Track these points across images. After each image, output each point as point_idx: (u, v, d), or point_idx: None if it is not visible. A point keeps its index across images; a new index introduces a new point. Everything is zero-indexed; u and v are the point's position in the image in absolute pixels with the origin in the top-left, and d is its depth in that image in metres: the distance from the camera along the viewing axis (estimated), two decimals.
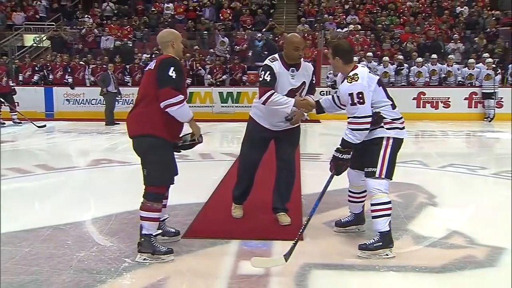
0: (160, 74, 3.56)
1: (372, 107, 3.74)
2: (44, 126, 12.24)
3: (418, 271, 3.52)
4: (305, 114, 4.34)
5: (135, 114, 3.70)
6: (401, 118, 3.88)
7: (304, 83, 4.26)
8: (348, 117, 3.77)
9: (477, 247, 3.95)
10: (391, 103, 3.85)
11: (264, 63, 4.27)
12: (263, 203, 4.66)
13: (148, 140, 3.62)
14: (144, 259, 3.62)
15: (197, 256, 3.79)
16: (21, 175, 6.77)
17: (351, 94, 3.69)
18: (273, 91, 4.13)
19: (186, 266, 3.58)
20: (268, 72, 4.16)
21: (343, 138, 3.78)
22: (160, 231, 3.81)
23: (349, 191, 4.24)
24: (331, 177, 3.89)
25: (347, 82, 3.74)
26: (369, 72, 3.87)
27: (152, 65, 3.72)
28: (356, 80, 3.70)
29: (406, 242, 4.05)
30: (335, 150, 3.83)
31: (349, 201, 4.29)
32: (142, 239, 3.66)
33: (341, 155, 3.79)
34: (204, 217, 4.69)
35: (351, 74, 3.75)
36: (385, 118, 3.77)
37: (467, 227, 4.40)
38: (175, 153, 3.82)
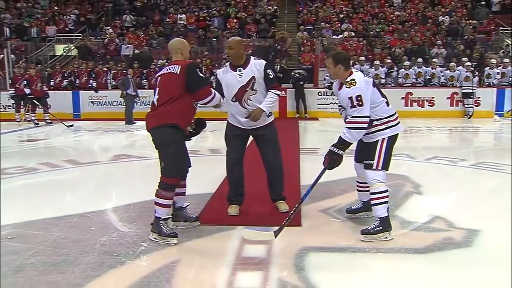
0: (191, 77, 3.68)
1: (369, 106, 3.71)
2: (72, 125, 12.31)
3: (404, 252, 3.53)
4: (266, 111, 4.20)
5: (157, 111, 3.72)
6: (394, 114, 3.85)
7: (253, 77, 4.16)
8: (348, 118, 3.75)
9: (456, 230, 3.95)
10: (385, 100, 3.83)
11: None
12: (266, 192, 4.64)
13: (165, 130, 3.65)
14: (155, 238, 3.72)
15: (206, 240, 3.81)
16: (52, 169, 6.81)
17: (350, 98, 3.66)
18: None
19: (196, 250, 3.60)
20: (215, 80, 4.37)
21: (340, 136, 3.76)
22: (169, 216, 3.88)
23: (357, 181, 4.22)
24: (324, 171, 3.87)
25: (346, 87, 3.71)
26: (364, 76, 3.86)
27: (172, 69, 3.72)
28: (354, 85, 3.67)
29: (394, 227, 4.00)
30: (332, 145, 3.80)
31: (358, 190, 4.27)
32: (154, 221, 3.77)
33: (337, 150, 3.76)
34: (212, 206, 4.69)
35: (348, 79, 3.72)
36: (378, 120, 3.76)
37: (447, 213, 4.39)
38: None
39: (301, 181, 5.63)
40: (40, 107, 12.99)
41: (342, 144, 3.75)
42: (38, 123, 12.99)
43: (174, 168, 3.71)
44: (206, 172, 6.02)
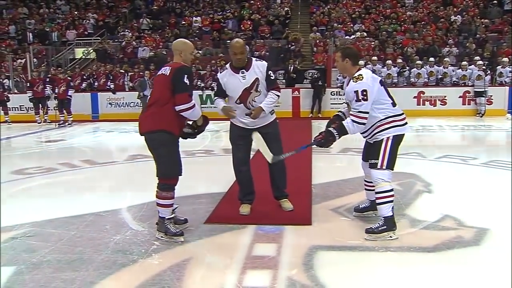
0: (176, 81, 3.57)
1: (375, 104, 3.68)
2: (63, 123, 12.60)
3: (413, 250, 3.49)
4: (266, 111, 4.20)
5: (148, 114, 3.70)
6: (401, 114, 3.80)
7: (257, 79, 4.15)
8: (352, 111, 3.72)
9: (465, 228, 3.90)
10: (391, 101, 3.78)
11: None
12: None
13: (159, 135, 3.63)
14: (162, 237, 3.74)
15: (217, 239, 3.80)
16: (70, 169, 6.88)
17: (356, 92, 3.64)
18: (215, 97, 4.34)
19: (207, 248, 3.60)
20: (216, 84, 4.37)
21: (342, 124, 3.75)
22: (173, 215, 3.88)
23: (365, 180, 4.19)
24: (312, 144, 3.92)
25: (353, 82, 3.70)
26: (373, 74, 3.82)
27: (164, 70, 3.69)
28: (361, 80, 3.66)
29: (403, 225, 4.00)
30: (332, 127, 3.79)
31: (365, 189, 4.24)
32: (158, 220, 3.80)
33: (335, 133, 3.75)
34: (224, 205, 4.67)
35: (356, 74, 3.71)
36: (381, 119, 3.72)
37: (457, 211, 4.32)
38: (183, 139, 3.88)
39: (312, 180, 5.59)
40: (54, 108, 13.22)
41: (341, 131, 3.74)
42: (65, 124, 13.22)
43: (169, 168, 3.69)
44: (220, 171, 6.01)
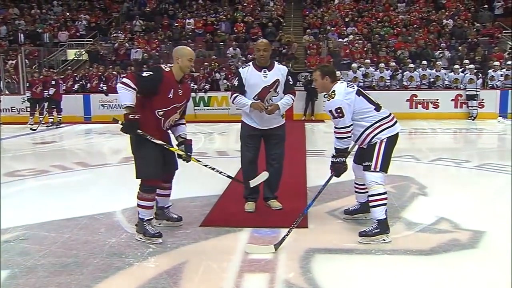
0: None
1: (357, 114, 3.74)
2: (35, 129, 12.41)
3: (409, 253, 3.49)
4: (282, 110, 4.36)
5: None
6: (389, 115, 3.82)
7: (277, 80, 4.31)
8: (334, 128, 3.82)
9: (461, 231, 3.90)
10: (374, 107, 3.80)
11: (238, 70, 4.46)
12: None
13: (132, 137, 3.71)
14: (140, 238, 3.75)
15: (213, 242, 3.77)
16: (63, 171, 6.82)
17: (330, 111, 3.73)
18: (236, 94, 4.34)
19: (203, 251, 3.57)
20: (236, 78, 4.42)
21: (334, 146, 3.84)
22: (152, 216, 3.87)
23: (355, 183, 4.21)
24: (330, 178, 3.96)
25: (327, 100, 3.77)
26: (347, 86, 3.83)
27: None
28: (333, 97, 3.72)
29: (399, 228, 4.01)
30: (331, 156, 3.89)
31: (355, 191, 4.26)
32: (138, 222, 3.80)
33: (336, 159, 3.84)
34: (219, 208, 4.66)
35: (330, 92, 3.77)
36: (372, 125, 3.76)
37: (452, 214, 4.33)
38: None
39: (307, 182, 5.58)
40: (46, 109, 13.20)
41: (338, 152, 3.82)
42: (58, 125, 13.18)
43: (146, 170, 3.69)
44: (214, 174, 5.98)
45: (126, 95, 3.55)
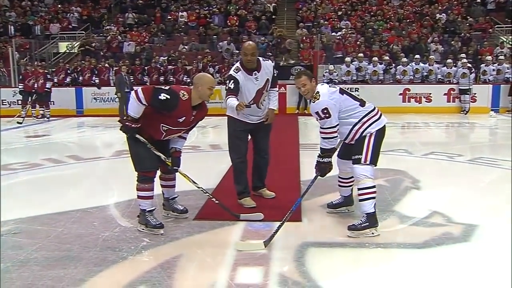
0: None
1: (344, 113, 3.76)
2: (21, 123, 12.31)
3: (403, 247, 3.51)
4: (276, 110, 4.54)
5: None
6: (374, 109, 3.86)
7: (268, 80, 4.33)
8: (319, 129, 3.84)
9: (454, 225, 3.93)
10: (359, 103, 3.84)
11: (229, 73, 4.34)
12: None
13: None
14: (142, 229, 3.79)
15: (207, 235, 3.78)
16: (55, 164, 6.78)
17: (317, 113, 3.74)
18: (229, 96, 4.24)
19: (197, 245, 3.56)
20: (232, 81, 4.25)
21: (320, 146, 3.87)
22: (154, 207, 3.88)
23: (339, 177, 4.24)
24: (315, 178, 3.98)
25: (312, 102, 3.79)
26: (329, 86, 3.88)
27: None
28: (318, 99, 3.74)
29: (392, 222, 4.03)
30: (317, 156, 3.91)
31: (339, 185, 4.28)
32: (140, 213, 3.83)
33: (322, 159, 3.87)
34: (213, 201, 4.64)
35: (314, 93, 3.79)
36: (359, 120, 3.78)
37: (445, 208, 4.35)
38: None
39: (301, 176, 5.59)
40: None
41: (324, 152, 3.86)
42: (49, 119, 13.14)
43: (140, 163, 3.75)
44: (207, 167, 6.00)
45: (135, 107, 3.65)
